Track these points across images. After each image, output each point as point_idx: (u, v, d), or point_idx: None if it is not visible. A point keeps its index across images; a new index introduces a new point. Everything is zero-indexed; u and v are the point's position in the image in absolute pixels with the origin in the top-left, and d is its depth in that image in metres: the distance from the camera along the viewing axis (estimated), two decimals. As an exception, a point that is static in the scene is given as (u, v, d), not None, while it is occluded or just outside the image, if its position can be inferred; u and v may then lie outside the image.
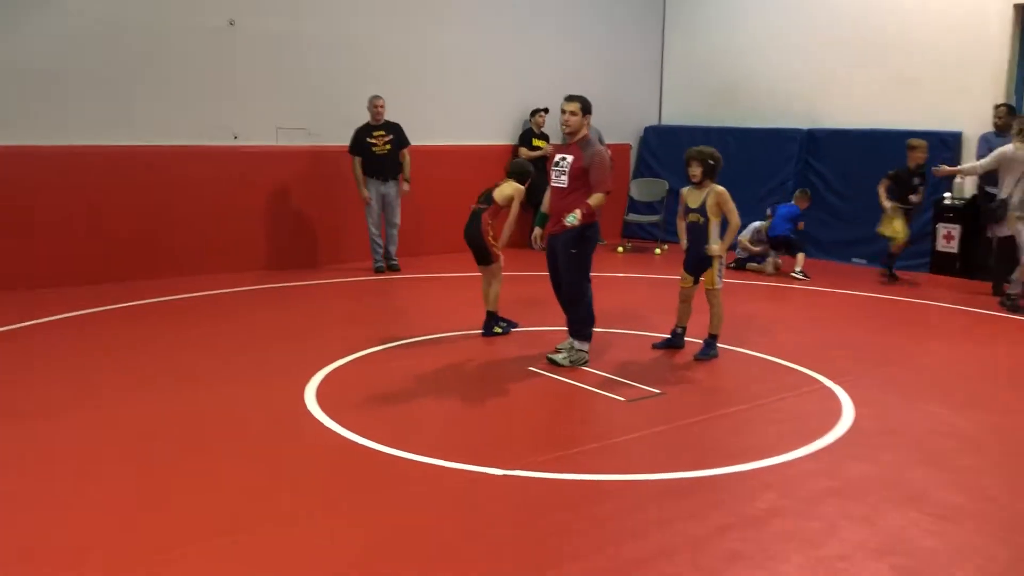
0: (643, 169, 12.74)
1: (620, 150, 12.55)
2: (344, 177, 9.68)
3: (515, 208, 6.79)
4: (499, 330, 6.90)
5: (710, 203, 6.09)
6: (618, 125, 12.39)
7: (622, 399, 5.39)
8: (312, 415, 5.02)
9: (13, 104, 8.20)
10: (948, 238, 9.79)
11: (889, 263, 9.60)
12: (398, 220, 9.70)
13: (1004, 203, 8.23)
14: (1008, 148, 8.30)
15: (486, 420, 5.13)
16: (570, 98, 6.03)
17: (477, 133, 11.14)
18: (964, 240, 9.69)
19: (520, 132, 11.36)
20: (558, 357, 6.06)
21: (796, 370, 6.07)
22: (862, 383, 5.74)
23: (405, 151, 9.68)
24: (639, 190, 12.13)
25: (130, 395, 5.33)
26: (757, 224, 10.17)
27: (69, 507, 3.81)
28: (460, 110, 11.00)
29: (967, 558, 3.46)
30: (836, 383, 5.74)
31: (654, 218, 11.72)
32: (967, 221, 9.63)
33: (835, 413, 5.17)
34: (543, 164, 11.12)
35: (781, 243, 9.93)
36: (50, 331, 6.87)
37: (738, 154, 11.34)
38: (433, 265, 9.96)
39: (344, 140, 9.59)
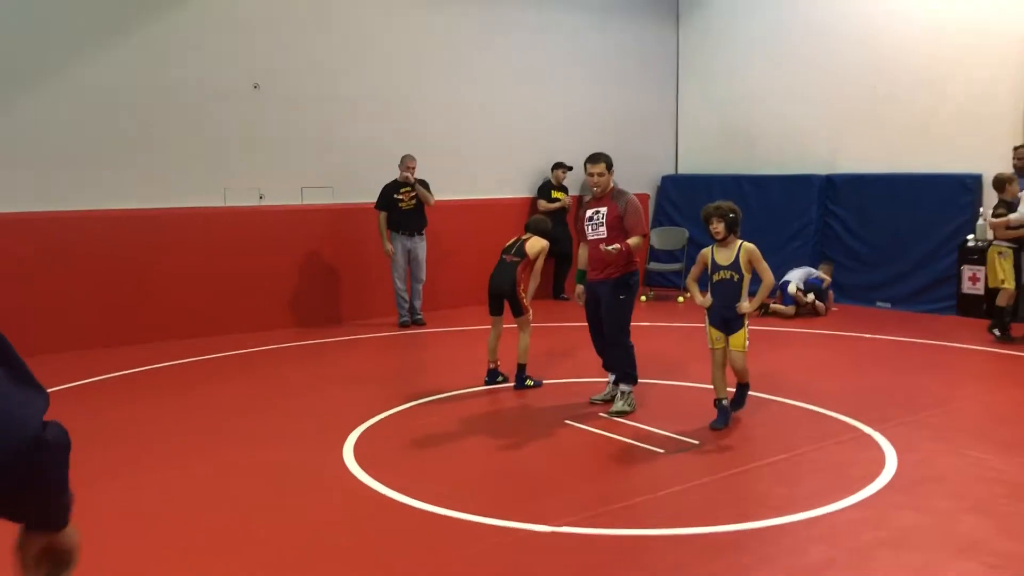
0: (662, 218, 12.81)
1: (639, 200, 12.62)
2: (366, 233, 9.80)
3: (540, 263, 6.96)
4: (531, 383, 6.89)
5: (743, 260, 5.94)
6: (636, 176, 12.45)
7: (661, 451, 5.36)
8: (352, 474, 5.01)
9: (41, 170, 8.37)
10: (973, 280, 9.77)
11: (999, 317, 8.60)
12: (424, 276, 9.80)
13: None
14: None
15: (527, 475, 5.11)
16: (595, 160, 6.25)
17: (495, 187, 11.26)
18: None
19: (539, 184, 11.48)
20: (619, 406, 6.15)
21: (833, 417, 6.03)
22: (900, 429, 5.70)
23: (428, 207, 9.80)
24: (659, 239, 12.19)
25: (166, 461, 5.34)
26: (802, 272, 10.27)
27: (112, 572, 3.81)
28: (478, 164, 11.15)
29: (1029, 609, 3.42)
30: (875, 429, 5.70)
31: (675, 266, 11.76)
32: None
33: (877, 460, 5.13)
34: (561, 216, 11.28)
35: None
36: (83, 396, 6.92)
37: (757, 201, 11.43)
38: (454, 318, 10.00)
39: (365, 197, 9.75)
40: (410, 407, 6.41)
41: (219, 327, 9.16)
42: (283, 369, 7.85)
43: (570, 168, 11.28)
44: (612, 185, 6.29)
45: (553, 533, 4.15)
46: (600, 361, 6.61)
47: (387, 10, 10.31)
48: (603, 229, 6.18)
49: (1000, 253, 8.52)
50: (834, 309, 10.34)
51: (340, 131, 10.01)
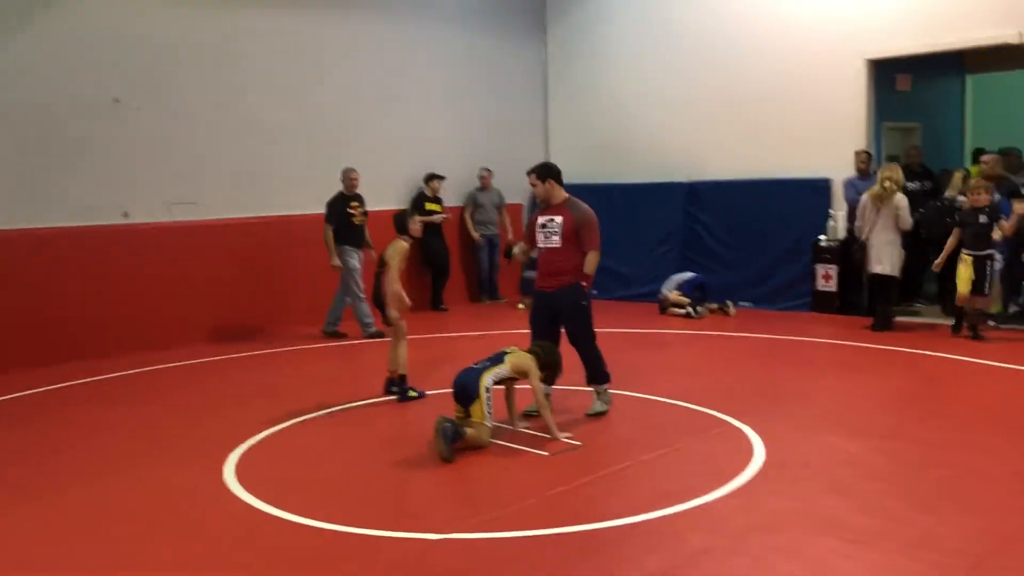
0: (535, 226, 13.05)
1: (513, 209, 12.87)
2: (239, 250, 9.62)
3: (395, 266, 6.79)
4: (414, 394, 6.91)
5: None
6: (508, 186, 12.70)
7: (546, 454, 5.52)
8: (233, 494, 4.94)
9: None
10: (826, 278, 10.42)
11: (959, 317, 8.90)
12: (361, 290, 9.69)
13: (863, 246, 9.25)
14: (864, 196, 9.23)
15: (414, 486, 5.16)
16: (529, 171, 6.64)
17: (369, 199, 11.13)
18: (841, 279, 10.32)
19: (412, 197, 11.50)
20: (598, 407, 6.34)
21: (704, 412, 6.34)
22: (766, 421, 6.05)
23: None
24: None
25: (41, 487, 5.11)
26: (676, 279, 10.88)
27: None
28: (365, 178, 11.04)
29: (886, 578, 3.73)
30: (742, 422, 6.03)
31: (550, 274, 11.99)
32: (843, 261, 10.27)
33: (746, 451, 5.44)
34: (438, 229, 11.36)
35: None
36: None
37: (626, 209, 11.85)
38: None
39: (233, 212, 9.74)
40: (294, 424, 6.35)
41: (92, 350, 8.78)
42: (166, 390, 7.61)
43: (443, 178, 11.39)
44: (565, 195, 6.37)
45: (444, 540, 4.22)
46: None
47: (252, 22, 10.15)
48: (557, 239, 6.23)
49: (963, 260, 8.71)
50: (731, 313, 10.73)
51: (205, 145, 9.76)
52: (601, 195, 11.80)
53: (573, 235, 6.22)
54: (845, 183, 10.32)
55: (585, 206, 6.33)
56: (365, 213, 9.76)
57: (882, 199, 9.05)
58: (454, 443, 5.46)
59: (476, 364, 5.80)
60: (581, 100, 13.07)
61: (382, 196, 10.84)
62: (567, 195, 6.40)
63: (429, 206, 11.35)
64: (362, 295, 9.55)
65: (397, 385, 6.92)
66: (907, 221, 9.06)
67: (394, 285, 6.75)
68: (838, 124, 10.59)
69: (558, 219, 6.27)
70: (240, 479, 5.16)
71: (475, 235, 11.95)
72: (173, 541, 4.36)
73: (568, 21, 13.15)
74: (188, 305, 9.59)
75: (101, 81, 9.02)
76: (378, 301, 6.94)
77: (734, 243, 11.39)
